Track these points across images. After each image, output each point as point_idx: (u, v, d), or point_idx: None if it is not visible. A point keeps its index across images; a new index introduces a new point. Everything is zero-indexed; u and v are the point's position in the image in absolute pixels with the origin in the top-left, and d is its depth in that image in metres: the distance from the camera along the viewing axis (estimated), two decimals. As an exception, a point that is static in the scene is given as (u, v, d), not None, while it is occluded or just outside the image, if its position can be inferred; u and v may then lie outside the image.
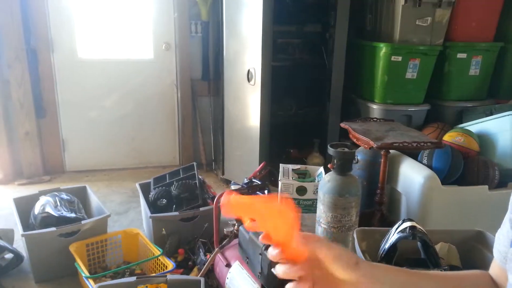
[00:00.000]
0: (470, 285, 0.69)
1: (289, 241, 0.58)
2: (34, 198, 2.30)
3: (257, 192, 2.46)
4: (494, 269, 0.70)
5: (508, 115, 2.46)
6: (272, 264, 1.47)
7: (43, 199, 2.24)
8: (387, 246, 1.72)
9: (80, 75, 3.44)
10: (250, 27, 2.83)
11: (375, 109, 2.98)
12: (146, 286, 1.69)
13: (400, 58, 2.82)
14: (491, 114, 2.68)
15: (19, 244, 2.22)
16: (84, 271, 1.82)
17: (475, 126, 2.64)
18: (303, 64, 3.35)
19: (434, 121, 2.95)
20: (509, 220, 0.62)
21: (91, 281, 1.77)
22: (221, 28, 3.12)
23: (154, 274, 1.86)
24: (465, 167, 2.36)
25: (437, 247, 1.78)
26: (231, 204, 0.56)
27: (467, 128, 2.66)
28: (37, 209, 2.19)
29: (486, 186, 2.26)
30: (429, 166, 2.35)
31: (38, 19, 3.21)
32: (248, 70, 2.89)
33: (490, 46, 2.96)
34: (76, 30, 3.35)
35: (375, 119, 2.65)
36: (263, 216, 0.57)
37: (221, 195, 2.05)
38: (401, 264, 1.70)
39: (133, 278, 1.61)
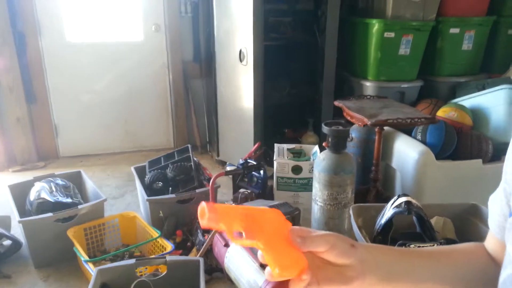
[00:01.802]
0: (464, 261, 0.67)
1: (287, 253, 0.53)
2: (29, 185, 2.29)
3: (253, 173, 2.47)
4: (490, 241, 0.68)
5: (501, 89, 2.47)
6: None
7: (38, 185, 2.23)
8: (383, 221, 1.74)
9: (69, 59, 3.38)
10: (241, 5, 2.78)
11: (369, 86, 2.97)
12: (146, 268, 1.71)
13: (392, 34, 2.81)
14: (484, 89, 2.69)
15: (17, 231, 2.22)
16: (83, 255, 1.83)
17: (468, 101, 2.65)
18: (296, 43, 3.33)
19: (427, 97, 2.95)
20: (503, 190, 0.61)
21: (90, 265, 1.78)
22: (211, 8, 3.07)
23: (153, 256, 1.87)
24: (459, 142, 2.38)
25: (433, 221, 1.81)
26: (216, 212, 0.51)
27: (460, 103, 2.67)
28: (32, 195, 2.18)
29: (480, 160, 2.29)
30: (423, 141, 2.37)
31: (24, 2, 3.13)
32: (240, 50, 2.86)
33: (483, 21, 2.95)
34: (63, 12, 3.27)
35: (368, 97, 2.65)
36: (255, 225, 0.52)
37: (217, 176, 2.06)
38: (397, 238, 1.73)
39: (133, 260, 1.62)
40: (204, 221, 0.51)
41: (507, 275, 0.53)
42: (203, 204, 0.51)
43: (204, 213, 0.50)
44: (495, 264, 0.66)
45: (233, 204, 0.53)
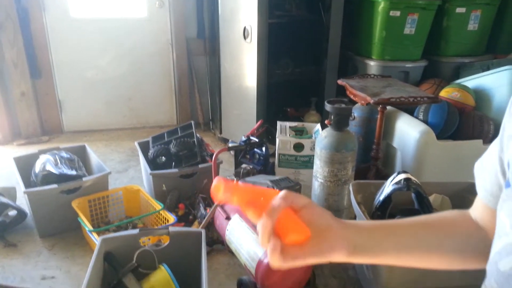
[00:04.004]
0: (452, 229, 0.67)
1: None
2: (34, 157, 2.32)
3: (255, 150, 2.50)
4: (478, 209, 0.67)
5: (505, 70, 2.46)
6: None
7: (43, 158, 2.26)
8: (382, 197, 1.77)
9: (73, 35, 3.38)
10: (246, -18, 2.76)
11: (373, 65, 2.96)
12: (149, 238, 1.75)
13: (398, 13, 2.78)
14: (489, 70, 2.68)
15: (22, 202, 2.27)
16: (87, 225, 1.87)
17: (472, 81, 2.65)
18: (300, 21, 3.30)
19: (431, 77, 2.94)
20: (498, 159, 0.59)
21: (94, 235, 1.83)
22: (216, -16, 3.05)
23: (156, 227, 1.92)
24: (461, 122, 2.39)
25: (431, 198, 1.83)
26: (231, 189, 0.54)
27: (463, 83, 2.67)
28: (37, 167, 2.21)
29: (481, 140, 2.30)
30: (424, 121, 2.37)
31: (27, -24, 3.12)
32: (244, 28, 2.85)
33: (490, 0, 2.91)
34: (67, -13, 3.26)
35: (372, 76, 2.65)
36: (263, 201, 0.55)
37: (220, 151, 2.08)
38: (395, 214, 1.76)
39: (136, 231, 1.65)
40: (219, 195, 0.54)
41: (502, 245, 0.52)
42: (218, 180, 0.54)
43: (219, 188, 0.53)
44: (481, 231, 0.65)
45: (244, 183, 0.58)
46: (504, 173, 0.59)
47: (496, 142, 0.61)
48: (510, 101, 0.57)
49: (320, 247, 0.57)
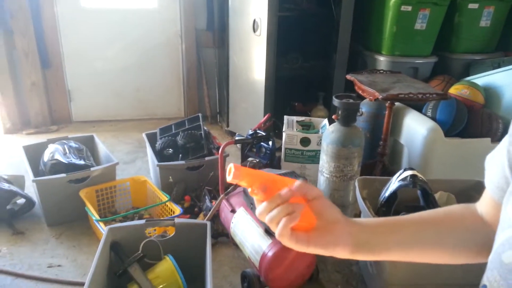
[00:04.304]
0: (458, 224, 0.68)
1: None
2: (43, 146, 2.35)
3: (262, 143, 2.50)
4: (485, 202, 0.67)
5: (516, 67, 2.43)
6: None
7: (52, 147, 2.28)
8: (387, 193, 1.76)
9: (84, 25, 3.39)
10: (256, -26, 2.75)
11: (382, 61, 2.94)
12: (155, 229, 1.77)
13: (409, 8, 2.75)
14: (499, 67, 2.64)
15: (30, 190, 2.30)
16: (94, 215, 1.89)
17: (482, 79, 2.62)
18: (310, 14, 3.28)
19: (441, 73, 2.92)
20: (507, 152, 0.59)
21: (101, 224, 1.85)
22: (226, -24, 3.04)
23: (162, 218, 1.93)
24: (469, 120, 2.37)
25: (437, 195, 1.82)
26: (240, 171, 0.58)
27: (473, 81, 2.64)
28: (46, 156, 2.24)
29: (489, 139, 2.28)
30: (433, 118, 2.36)
31: (38, -35, 3.13)
32: (254, 20, 2.84)
33: (504, -4, 2.86)
34: (77, -23, 3.28)
35: (381, 71, 2.63)
36: (273, 187, 0.59)
37: (226, 144, 2.09)
38: (400, 211, 1.76)
39: (143, 221, 1.67)
40: (229, 177, 0.57)
41: (506, 237, 0.52)
42: (231, 164, 0.58)
43: (231, 171, 0.57)
44: (486, 226, 0.66)
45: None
46: (511, 167, 0.59)
47: (507, 136, 0.61)
48: None
49: (325, 239, 0.60)
